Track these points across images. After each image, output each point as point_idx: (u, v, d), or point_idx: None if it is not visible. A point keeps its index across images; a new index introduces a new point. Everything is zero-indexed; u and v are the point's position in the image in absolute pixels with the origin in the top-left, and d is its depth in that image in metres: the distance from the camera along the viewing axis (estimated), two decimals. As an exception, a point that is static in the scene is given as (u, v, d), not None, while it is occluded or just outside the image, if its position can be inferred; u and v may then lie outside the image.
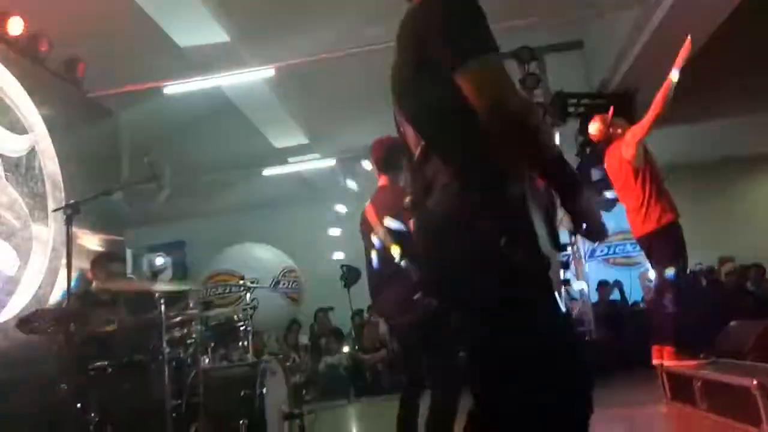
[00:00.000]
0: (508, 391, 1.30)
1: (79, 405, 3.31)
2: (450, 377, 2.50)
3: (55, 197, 5.00)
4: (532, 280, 1.28)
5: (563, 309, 1.40)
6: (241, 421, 3.45)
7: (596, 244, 9.61)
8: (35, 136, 4.97)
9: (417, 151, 1.47)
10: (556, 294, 1.37)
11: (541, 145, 1.28)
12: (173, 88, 6.58)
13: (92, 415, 3.33)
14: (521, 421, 1.29)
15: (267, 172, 9.57)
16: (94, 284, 4.24)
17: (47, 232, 4.80)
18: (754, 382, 2.86)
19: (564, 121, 7.32)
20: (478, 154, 1.31)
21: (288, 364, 4.00)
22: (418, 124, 1.46)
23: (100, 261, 4.43)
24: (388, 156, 2.79)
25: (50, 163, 5.07)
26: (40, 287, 4.60)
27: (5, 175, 4.51)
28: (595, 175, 6.48)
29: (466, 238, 1.29)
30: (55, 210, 4.77)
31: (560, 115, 7.25)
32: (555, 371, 1.28)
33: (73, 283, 3.41)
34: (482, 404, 1.36)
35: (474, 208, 1.28)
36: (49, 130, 5.12)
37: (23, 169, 4.74)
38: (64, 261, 4.65)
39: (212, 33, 5.83)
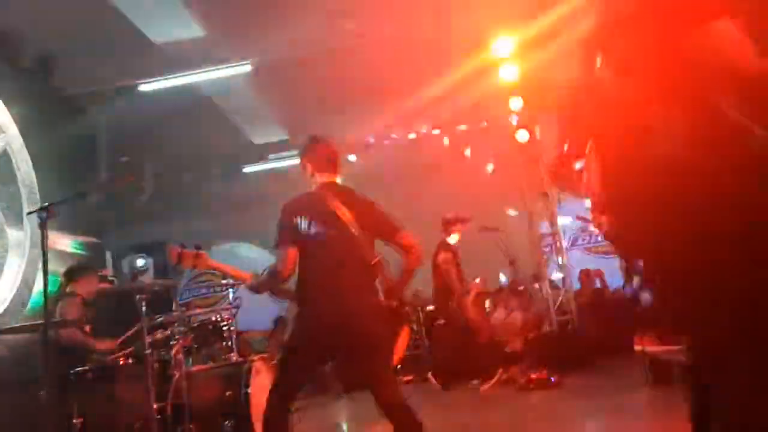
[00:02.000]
0: None
1: (61, 410, 3.26)
2: None
3: (30, 200, 4.90)
4: None
5: None
6: (226, 422, 3.44)
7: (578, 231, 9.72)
8: (7, 138, 4.85)
9: None
10: None
11: None
12: (149, 85, 6.48)
13: (74, 420, 3.28)
14: None
15: (247, 169, 9.48)
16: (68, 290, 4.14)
17: (23, 236, 4.70)
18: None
19: (543, 110, 7.38)
20: None
21: (274, 362, 3.98)
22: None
23: (69, 275, 4.29)
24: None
25: (24, 165, 4.96)
26: (17, 292, 4.50)
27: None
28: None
29: None
30: (29, 213, 4.66)
31: (539, 105, 7.31)
32: None
33: (50, 287, 3.34)
34: None
35: None
36: (22, 130, 5.00)
37: (-4, 172, 4.63)
38: (40, 265, 4.56)
39: (187, 28, 5.75)
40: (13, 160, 4.85)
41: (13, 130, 4.91)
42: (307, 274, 2.48)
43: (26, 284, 4.61)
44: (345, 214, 2.50)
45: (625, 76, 1.42)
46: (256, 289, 2.79)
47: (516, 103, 7.24)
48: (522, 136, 7.36)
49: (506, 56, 7.15)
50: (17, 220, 4.69)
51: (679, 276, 1.40)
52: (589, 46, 1.53)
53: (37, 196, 4.96)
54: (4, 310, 4.33)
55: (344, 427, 5.50)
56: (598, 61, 1.50)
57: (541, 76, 7.26)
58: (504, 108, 7.56)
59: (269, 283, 2.63)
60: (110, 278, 6.03)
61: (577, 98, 1.66)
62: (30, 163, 5.01)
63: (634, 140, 1.39)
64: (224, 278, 5.16)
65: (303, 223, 2.50)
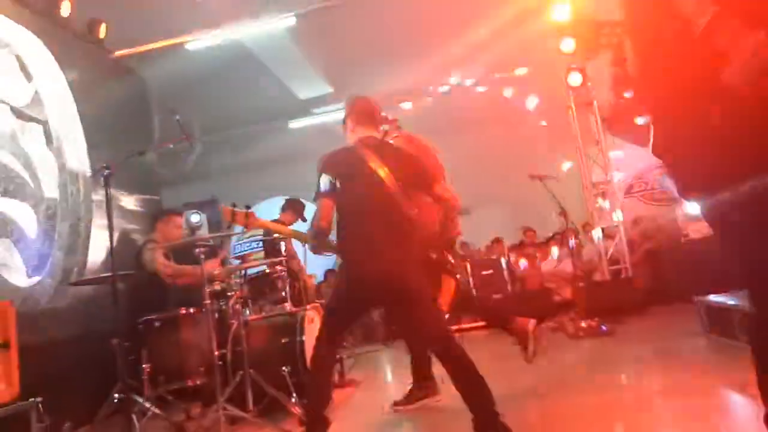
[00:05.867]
0: None
1: (131, 357, 3.49)
2: None
3: (79, 159, 5.04)
4: None
5: None
6: (283, 368, 3.59)
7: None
8: (37, 84, 4.86)
9: None
10: None
11: None
12: (194, 43, 6.53)
13: (144, 365, 3.50)
14: None
15: (293, 124, 9.54)
16: (155, 238, 4.41)
17: (75, 194, 4.91)
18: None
19: (596, 52, 7.01)
20: None
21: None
22: None
23: (168, 217, 4.58)
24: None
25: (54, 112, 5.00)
26: (77, 247, 4.75)
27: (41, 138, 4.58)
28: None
29: None
30: (92, 173, 4.87)
31: (592, 46, 6.94)
32: None
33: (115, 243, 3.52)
34: None
35: None
36: (76, 93, 5.15)
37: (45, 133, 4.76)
38: (100, 222, 4.81)
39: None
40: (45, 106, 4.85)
41: (57, 89, 4.92)
42: (345, 227, 2.54)
43: (85, 239, 4.84)
44: (381, 167, 2.53)
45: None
46: (313, 249, 2.86)
47: (567, 45, 6.91)
48: (574, 79, 7.06)
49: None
50: (73, 178, 4.90)
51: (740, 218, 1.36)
52: None
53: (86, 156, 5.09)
54: (64, 264, 4.59)
55: (391, 373, 5.66)
56: None
57: (595, 14, 6.88)
58: (554, 50, 7.23)
59: (313, 237, 2.68)
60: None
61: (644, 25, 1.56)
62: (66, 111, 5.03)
63: (701, 67, 1.32)
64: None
65: (340, 177, 2.54)
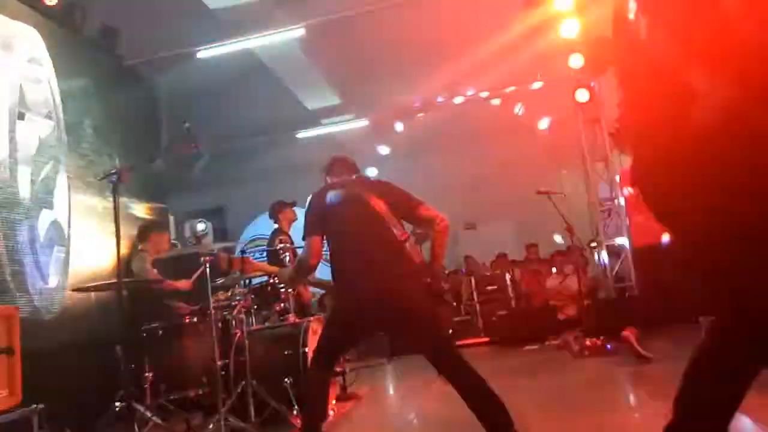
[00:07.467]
0: None
1: (133, 365, 3.49)
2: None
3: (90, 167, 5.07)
4: None
5: None
6: (285, 379, 3.58)
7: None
8: (47, 71, 4.79)
9: None
10: None
11: None
12: (206, 52, 6.58)
13: (146, 374, 3.50)
14: None
15: (301, 134, 9.57)
16: (146, 248, 4.44)
17: (91, 201, 4.94)
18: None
19: (604, 68, 7.02)
20: None
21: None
22: None
23: (144, 233, 4.61)
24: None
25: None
26: (85, 254, 4.76)
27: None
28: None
29: None
30: (101, 178, 4.88)
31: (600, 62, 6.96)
32: None
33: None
34: None
35: None
36: (88, 99, 5.20)
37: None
38: (109, 228, 4.81)
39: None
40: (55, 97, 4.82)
41: (49, 64, 4.83)
42: (338, 257, 2.60)
43: (95, 247, 4.85)
44: (369, 197, 2.59)
45: (667, 33, 1.36)
46: (289, 283, 3.11)
47: (576, 61, 6.92)
48: (582, 95, 7.06)
49: (567, 10, 6.82)
50: (86, 185, 4.94)
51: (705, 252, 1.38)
52: None
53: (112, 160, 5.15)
54: (75, 270, 4.60)
55: (393, 388, 5.63)
56: (631, 6, 1.43)
57: (602, 31, 6.90)
58: (562, 66, 7.25)
59: (299, 272, 2.91)
60: (173, 242, 6.30)
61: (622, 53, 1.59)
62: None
63: (672, 103, 1.34)
64: (280, 243, 5.30)
65: (329, 210, 2.61)
